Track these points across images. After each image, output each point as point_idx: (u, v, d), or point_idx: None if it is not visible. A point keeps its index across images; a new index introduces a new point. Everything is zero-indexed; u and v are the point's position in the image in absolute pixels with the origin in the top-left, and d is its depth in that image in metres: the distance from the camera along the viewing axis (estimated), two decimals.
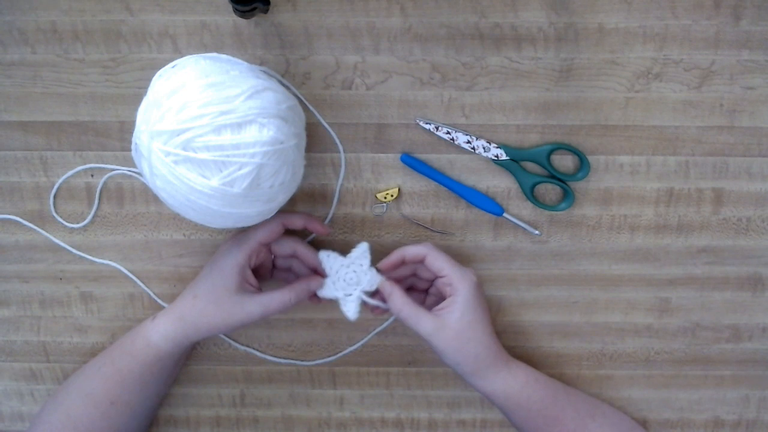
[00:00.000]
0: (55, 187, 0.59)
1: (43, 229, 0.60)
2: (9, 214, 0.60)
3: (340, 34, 0.55)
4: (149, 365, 0.56)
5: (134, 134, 0.49)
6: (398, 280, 0.57)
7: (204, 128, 0.46)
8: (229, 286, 0.54)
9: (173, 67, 0.50)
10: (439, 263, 0.55)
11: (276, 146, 0.48)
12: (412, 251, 0.56)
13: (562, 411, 0.57)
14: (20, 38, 0.55)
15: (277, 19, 0.55)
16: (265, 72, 0.54)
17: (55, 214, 0.60)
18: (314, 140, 0.58)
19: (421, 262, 0.56)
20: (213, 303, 0.55)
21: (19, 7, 0.55)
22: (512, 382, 0.56)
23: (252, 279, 0.56)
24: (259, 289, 0.56)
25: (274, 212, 0.53)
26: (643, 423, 0.65)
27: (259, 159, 0.47)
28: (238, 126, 0.47)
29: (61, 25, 0.55)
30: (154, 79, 0.50)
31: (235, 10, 0.51)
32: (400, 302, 0.55)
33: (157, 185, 0.48)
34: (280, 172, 0.49)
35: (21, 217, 0.60)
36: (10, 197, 0.60)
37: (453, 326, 0.54)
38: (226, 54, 0.55)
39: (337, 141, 0.58)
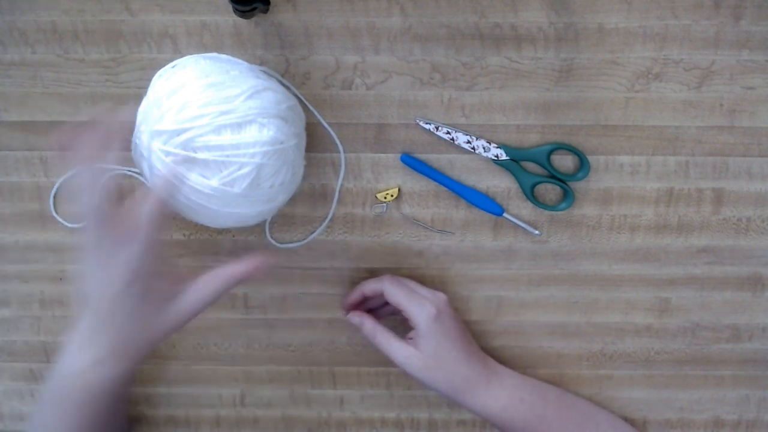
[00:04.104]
0: (55, 187, 0.59)
1: (43, 229, 0.60)
2: (10, 214, 0.60)
3: (340, 34, 0.55)
4: (119, 397, 0.53)
5: (134, 134, 0.49)
6: (377, 307, 0.61)
7: (204, 128, 0.46)
8: (147, 295, 0.47)
9: (173, 67, 0.50)
10: (394, 298, 0.56)
11: (276, 146, 0.48)
12: (370, 287, 0.58)
13: (549, 428, 0.57)
14: (20, 38, 0.55)
15: (277, 19, 0.55)
16: (265, 72, 0.54)
17: (55, 214, 0.60)
18: (314, 140, 0.58)
19: (381, 295, 0.58)
20: (149, 312, 0.47)
21: (19, 7, 0.55)
22: (492, 405, 0.57)
23: (156, 285, 0.48)
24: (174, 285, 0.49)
25: (274, 212, 0.53)
26: (643, 423, 0.65)
27: (259, 159, 0.47)
28: (238, 126, 0.47)
29: (61, 25, 0.55)
30: (154, 79, 0.50)
31: (235, 10, 0.51)
32: (372, 332, 0.57)
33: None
34: (280, 172, 0.49)
35: (21, 217, 0.60)
36: (10, 197, 0.60)
37: (420, 356, 0.55)
38: (226, 54, 0.55)
39: (337, 141, 0.58)
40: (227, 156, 0.46)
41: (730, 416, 0.65)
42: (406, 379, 0.64)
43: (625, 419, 0.64)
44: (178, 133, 0.46)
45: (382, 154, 0.58)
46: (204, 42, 0.55)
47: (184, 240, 0.61)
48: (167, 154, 0.46)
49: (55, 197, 0.60)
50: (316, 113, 0.57)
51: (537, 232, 0.60)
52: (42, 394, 0.51)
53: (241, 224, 0.52)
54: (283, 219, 0.60)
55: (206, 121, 0.46)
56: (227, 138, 0.46)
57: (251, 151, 0.47)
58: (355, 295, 0.59)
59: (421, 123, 0.57)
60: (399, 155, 0.58)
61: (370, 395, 0.65)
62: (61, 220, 0.60)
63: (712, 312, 0.62)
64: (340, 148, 0.58)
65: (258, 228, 0.60)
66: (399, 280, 0.58)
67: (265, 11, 0.53)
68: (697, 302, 0.62)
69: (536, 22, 0.55)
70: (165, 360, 0.64)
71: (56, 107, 0.57)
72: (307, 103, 0.57)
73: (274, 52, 0.56)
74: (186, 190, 0.47)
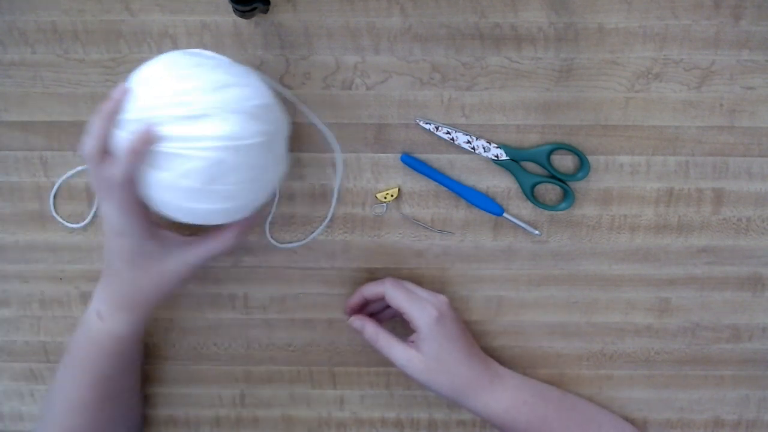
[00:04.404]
0: (55, 187, 0.59)
1: (43, 229, 0.60)
2: (10, 214, 0.60)
3: (340, 34, 0.55)
4: (128, 353, 0.56)
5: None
6: (379, 310, 0.61)
7: (161, 118, 0.46)
8: (141, 251, 0.51)
9: (152, 60, 0.50)
10: (396, 301, 0.56)
11: (234, 142, 0.47)
12: (370, 290, 0.58)
13: (551, 429, 0.57)
14: (20, 38, 0.55)
15: (277, 19, 0.55)
16: (247, 71, 0.52)
17: (55, 214, 0.60)
18: (314, 140, 0.58)
19: (382, 299, 0.58)
20: (140, 273, 0.52)
21: (19, 7, 0.55)
22: (494, 406, 0.57)
23: (163, 228, 0.53)
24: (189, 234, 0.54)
25: (245, 212, 0.51)
26: (643, 423, 0.65)
27: (212, 153, 0.46)
28: (195, 119, 0.46)
29: (61, 25, 0.55)
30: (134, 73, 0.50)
31: (235, 10, 0.51)
32: (373, 335, 0.57)
33: None
34: (241, 171, 0.48)
35: (21, 217, 0.60)
36: (10, 197, 0.60)
37: (422, 359, 0.55)
38: (227, 54, 0.55)
39: (334, 141, 0.58)
40: (183, 148, 0.46)
41: (730, 416, 0.65)
42: (406, 379, 0.64)
43: (625, 419, 0.64)
44: (137, 121, 0.47)
45: (382, 154, 0.58)
46: (204, 42, 0.55)
47: None
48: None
49: (55, 197, 0.60)
50: (310, 113, 0.57)
51: (537, 232, 0.60)
52: (70, 341, 0.56)
53: (210, 221, 0.50)
54: (283, 219, 0.60)
55: (163, 112, 0.46)
56: (184, 129, 0.46)
57: (206, 144, 0.46)
58: (356, 299, 0.59)
59: (421, 123, 0.57)
60: (399, 155, 0.58)
61: (370, 395, 0.65)
62: (61, 220, 0.60)
63: (712, 312, 0.62)
64: (337, 148, 0.58)
65: (258, 228, 0.60)
66: (400, 282, 0.58)
67: (265, 11, 0.53)
68: (697, 302, 0.62)
69: (536, 22, 0.55)
70: (165, 360, 0.64)
71: (56, 107, 0.57)
72: (299, 103, 0.57)
73: (274, 52, 0.56)
74: (147, 181, 0.48)
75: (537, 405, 0.58)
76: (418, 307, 0.55)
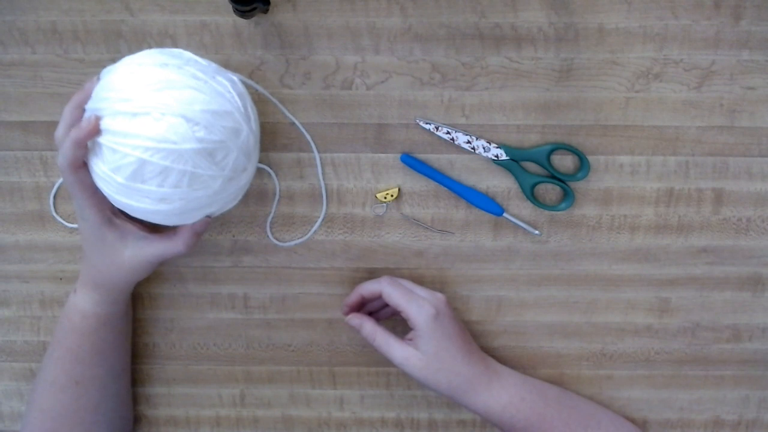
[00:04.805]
0: (55, 187, 0.59)
1: (43, 229, 0.60)
2: (10, 214, 0.60)
3: (340, 34, 0.55)
4: (95, 334, 0.56)
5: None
6: (377, 309, 0.61)
7: (103, 111, 0.47)
8: (99, 236, 0.53)
9: (133, 54, 0.51)
10: (393, 299, 0.56)
11: (163, 144, 0.46)
12: (368, 289, 0.58)
13: (551, 427, 0.57)
14: (20, 38, 0.55)
15: (277, 19, 0.55)
16: (233, 79, 0.51)
17: (55, 214, 0.60)
18: (313, 140, 0.58)
19: (379, 297, 0.58)
20: (99, 257, 0.54)
21: (19, 7, 0.55)
22: (492, 404, 0.57)
23: (123, 219, 0.54)
24: (150, 230, 0.55)
25: (193, 218, 0.51)
26: (643, 423, 0.65)
27: (140, 152, 0.46)
28: (132, 115, 0.46)
29: (61, 25, 0.55)
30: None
31: (235, 10, 0.51)
32: (371, 333, 0.57)
33: None
34: (171, 174, 0.47)
35: (21, 217, 0.60)
36: (10, 197, 0.60)
37: (420, 356, 0.55)
38: (227, 53, 0.55)
39: (310, 140, 0.58)
40: (116, 143, 0.47)
41: (730, 416, 0.65)
42: (406, 379, 0.64)
43: (626, 419, 0.64)
44: (88, 111, 0.48)
45: (382, 154, 0.58)
46: (204, 42, 0.55)
47: None
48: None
49: (55, 197, 0.60)
50: (288, 113, 0.57)
51: (537, 232, 0.60)
52: (60, 320, 0.58)
53: (151, 219, 0.50)
54: (283, 219, 0.60)
55: (106, 105, 0.47)
56: (120, 124, 0.46)
57: (136, 142, 0.46)
58: (354, 297, 0.59)
59: (421, 123, 0.57)
60: (399, 155, 0.58)
61: (370, 395, 0.65)
62: (61, 220, 0.60)
63: (712, 312, 0.62)
64: (314, 147, 0.58)
65: (258, 228, 0.60)
66: (397, 281, 0.58)
67: (265, 11, 0.53)
68: (697, 302, 0.62)
69: (536, 22, 0.55)
70: (165, 360, 0.64)
71: (56, 107, 0.57)
72: (279, 104, 0.57)
73: (274, 52, 0.56)
74: (92, 170, 0.49)
75: (535, 402, 0.58)
76: (416, 304, 0.55)
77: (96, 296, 0.55)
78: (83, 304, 0.55)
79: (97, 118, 0.47)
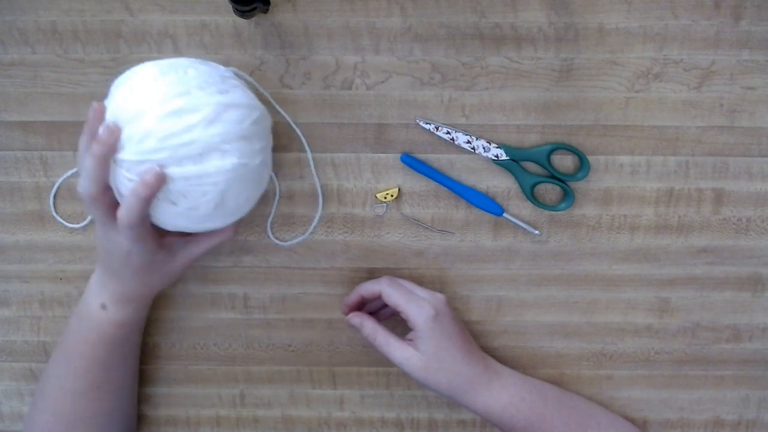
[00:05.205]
0: (55, 187, 0.59)
1: (43, 229, 0.60)
2: (10, 214, 0.60)
3: (340, 34, 0.55)
4: (128, 340, 0.57)
5: None
6: (377, 309, 0.61)
7: (166, 161, 0.46)
8: (151, 260, 0.52)
9: (134, 83, 0.48)
10: (392, 300, 0.56)
11: (240, 171, 0.48)
12: (367, 289, 0.58)
13: (551, 427, 0.57)
14: (20, 38, 0.55)
15: (277, 19, 0.55)
16: (230, 75, 0.51)
17: (55, 214, 0.60)
18: (313, 141, 0.58)
19: (379, 297, 0.58)
20: (147, 277, 0.54)
21: (19, 7, 0.55)
22: (492, 404, 0.57)
23: (166, 235, 0.54)
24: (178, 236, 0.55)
25: (244, 215, 0.53)
26: (643, 423, 0.65)
27: (222, 186, 0.47)
28: (200, 156, 0.46)
29: (61, 25, 0.55)
30: (113, 89, 0.49)
31: (235, 10, 0.51)
32: (372, 332, 0.57)
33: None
34: (244, 189, 0.49)
35: (21, 217, 0.60)
36: (10, 197, 0.60)
37: (420, 357, 0.55)
38: (227, 54, 0.55)
39: (303, 140, 0.58)
40: (190, 185, 0.47)
41: (730, 416, 0.65)
42: (406, 379, 0.64)
43: (625, 419, 0.64)
44: (140, 163, 0.46)
45: (382, 154, 0.58)
46: (204, 42, 0.55)
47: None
48: (130, 180, 0.47)
49: (55, 197, 0.60)
50: (280, 109, 0.57)
51: (537, 232, 0.60)
52: (65, 329, 0.57)
53: (211, 229, 0.52)
54: (283, 219, 0.60)
55: (168, 154, 0.46)
56: (189, 169, 0.46)
57: (213, 179, 0.47)
58: (353, 297, 0.59)
59: (421, 123, 0.57)
60: (399, 155, 0.58)
61: (370, 395, 0.65)
62: (61, 220, 0.60)
63: (712, 312, 0.62)
64: (307, 148, 0.58)
65: (258, 228, 0.60)
66: (396, 281, 0.58)
67: (265, 11, 0.53)
68: (697, 302, 0.62)
69: (536, 22, 0.55)
70: (165, 360, 0.64)
71: (56, 107, 0.57)
72: (277, 105, 0.57)
73: (274, 52, 0.56)
74: (153, 211, 0.48)
75: (535, 403, 0.58)
76: (415, 305, 0.55)
77: (137, 305, 0.56)
78: (119, 317, 0.55)
79: (161, 171, 0.46)
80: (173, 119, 0.46)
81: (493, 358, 0.60)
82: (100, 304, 0.55)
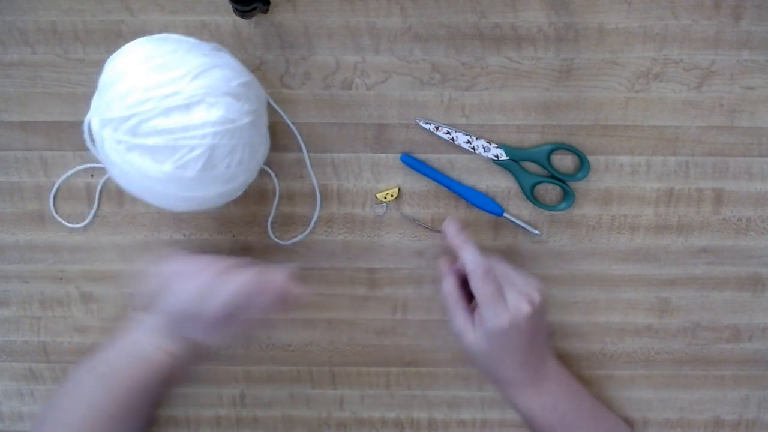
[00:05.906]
0: (55, 187, 0.59)
1: (43, 229, 0.60)
2: (10, 214, 0.60)
3: (340, 34, 0.55)
4: (155, 390, 0.54)
5: (84, 124, 0.48)
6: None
7: (151, 112, 0.45)
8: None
9: (120, 51, 0.49)
10: (477, 293, 0.53)
11: (227, 126, 0.47)
12: (464, 263, 0.54)
13: None
14: (20, 38, 0.55)
15: (277, 19, 0.55)
16: (217, 49, 0.51)
17: (55, 214, 0.60)
18: (313, 140, 0.58)
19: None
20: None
21: (19, 7, 0.55)
22: (525, 407, 0.55)
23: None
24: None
25: (238, 193, 0.52)
26: (643, 423, 0.65)
27: (209, 140, 0.46)
28: (186, 107, 0.46)
29: (61, 25, 0.55)
30: (105, 65, 0.49)
31: (235, 10, 0.51)
32: (447, 291, 0.55)
33: (115, 174, 0.49)
34: (236, 152, 0.48)
35: (21, 217, 0.60)
36: (10, 197, 0.60)
37: (474, 341, 0.53)
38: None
39: (300, 139, 0.58)
40: (177, 139, 0.46)
41: (730, 416, 0.65)
42: (406, 378, 0.64)
43: (625, 419, 0.64)
44: (127, 118, 0.46)
45: (382, 154, 0.58)
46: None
47: (184, 240, 0.60)
48: (118, 141, 0.46)
49: (55, 197, 0.60)
50: (277, 107, 0.57)
51: (537, 232, 0.60)
52: (93, 363, 0.54)
53: (205, 206, 0.51)
54: (283, 219, 0.60)
55: (153, 105, 0.45)
56: (175, 120, 0.46)
57: (201, 132, 0.46)
58: (452, 271, 0.56)
59: (421, 123, 0.57)
60: (399, 155, 0.58)
61: (370, 395, 0.65)
62: (61, 220, 0.60)
63: (712, 312, 0.62)
64: (303, 147, 0.58)
65: (258, 228, 0.60)
66: (492, 274, 0.53)
67: (265, 11, 0.53)
68: (697, 302, 0.62)
69: (536, 22, 0.55)
70: None
71: (56, 107, 0.57)
72: (270, 99, 0.57)
73: (274, 52, 0.56)
74: (140, 176, 0.47)
75: (567, 412, 0.56)
76: (492, 308, 0.52)
77: (184, 361, 0.54)
78: (168, 369, 0.53)
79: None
80: (158, 73, 0.46)
81: (554, 361, 0.59)
82: (164, 350, 0.53)
